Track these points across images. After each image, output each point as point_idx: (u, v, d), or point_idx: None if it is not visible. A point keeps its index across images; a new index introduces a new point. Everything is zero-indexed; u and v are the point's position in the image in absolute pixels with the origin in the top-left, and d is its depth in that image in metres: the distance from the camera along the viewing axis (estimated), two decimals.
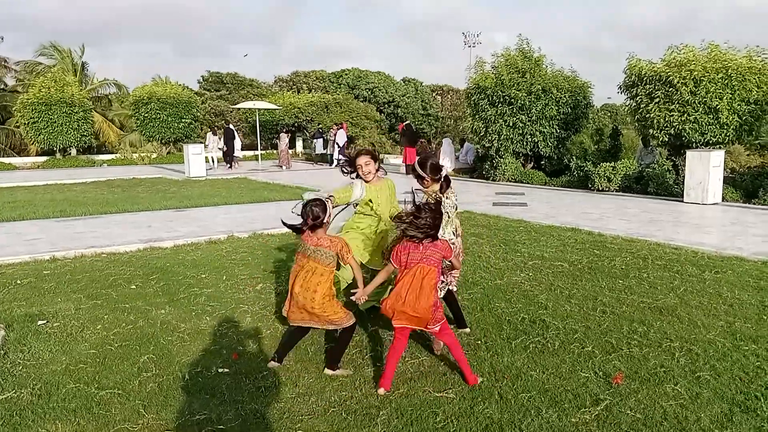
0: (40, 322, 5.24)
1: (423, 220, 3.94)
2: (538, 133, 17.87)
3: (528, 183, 17.65)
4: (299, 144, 31.69)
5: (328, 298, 4.27)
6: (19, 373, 4.21)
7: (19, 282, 6.58)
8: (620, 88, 16.24)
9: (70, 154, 26.51)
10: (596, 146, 20.88)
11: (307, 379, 4.14)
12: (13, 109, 26.77)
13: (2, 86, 36.98)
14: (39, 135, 24.88)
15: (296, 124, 30.26)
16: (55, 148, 25.78)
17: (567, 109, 17.85)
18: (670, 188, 14.35)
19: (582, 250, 8.16)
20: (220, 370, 4.27)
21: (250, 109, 28.66)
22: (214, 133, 25.95)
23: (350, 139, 27.10)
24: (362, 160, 5.26)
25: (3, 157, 28.17)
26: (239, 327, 5.18)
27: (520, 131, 17.91)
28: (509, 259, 7.63)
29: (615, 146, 19.14)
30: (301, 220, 4.28)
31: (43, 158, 26.03)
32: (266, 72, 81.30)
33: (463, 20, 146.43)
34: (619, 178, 15.31)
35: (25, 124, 24.86)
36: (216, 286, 6.43)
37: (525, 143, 18.09)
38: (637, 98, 15.40)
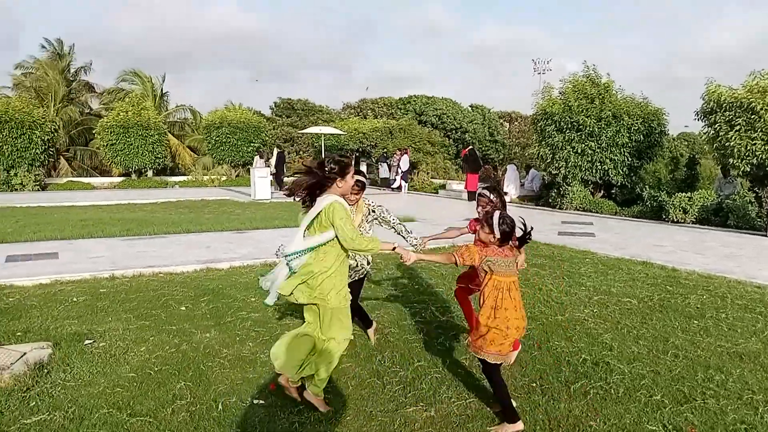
0: (87, 342, 5.23)
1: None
2: (608, 160, 17.18)
3: (597, 212, 16.91)
4: (363, 168, 31.84)
5: None
6: (58, 394, 4.16)
7: (75, 299, 6.68)
8: (697, 114, 15.37)
9: (146, 175, 27.58)
10: (671, 176, 19.86)
11: (345, 416, 3.89)
12: (93, 131, 28.19)
13: (88, 110, 39.21)
14: (116, 156, 26.02)
15: (360, 149, 30.47)
16: (131, 170, 26.91)
17: (639, 136, 17.09)
18: (752, 221, 13.37)
19: (653, 286, 7.59)
20: (255, 401, 4.08)
21: (316, 134, 29.09)
22: (261, 156, 26.55)
23: (413, 165, 26.99)
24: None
25: (85, 177, 29.64)
26: None
27: (589, 158, 17.27)
28: (572, 293, 7.16)
29: (691, 176, 18.15)
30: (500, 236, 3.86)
31: (120, 179, 27.20)
32: (336, 99, 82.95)
33: (532, 47, 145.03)
34: (696, 210, 14.41)
35: (104, 145, 26.07)
36: (264, 311, 6.30)
37: (594, 171, 17.41)
38: (716, 126, 14.50)
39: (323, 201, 3.87)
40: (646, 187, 16.67)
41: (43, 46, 36.60)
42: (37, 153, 23.38)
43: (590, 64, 18.02)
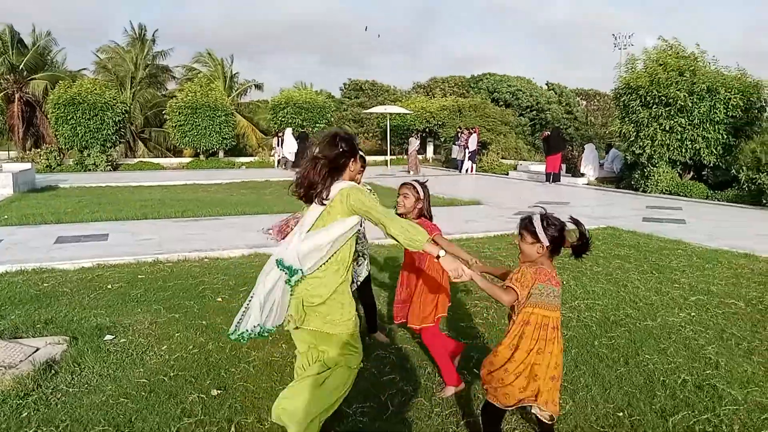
0: (107, 338, 4.72)
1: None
2: (700, 138, 15.55)
3: (686, 196, 15.37)
4: (430, 149, 30.88)
5: None
6: (55, 402, 3.63)
7: (109, 287, 6.24)
8: None
9: (218, 156, 27.69)
10: None
11: None
12: (163, 112, 28.52)
13: (164, 91, 40.09)
14: (185, 137, 26.20)
15: (427, 129, 29.48)
16: (198, 150, 27.07)
17: (737, 112, 15.33)
18: None
19: (762, 285, 6.43)
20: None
21: (382, 114, 28.33)
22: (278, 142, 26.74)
23: (483, 145, 25.81)
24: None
25: (156, 158, 30.17)
26: None
27: (679, 136, 15.69)
28: (664, 293, 6.12)
29: None
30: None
31: (188, 159, 27.43)
32: (405, 81, 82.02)
33: (607, 23, 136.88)
34: None
35: (173, 126, 26.29)
36: None
37: (684, 150, 15.82)
38: None
39: (333, 188, 3.02)
40: (743, 168, 14.94)
41: (126, 30, 37.59)
42: (108, 134, 23.75)
43: (670, 38, 16.51)
